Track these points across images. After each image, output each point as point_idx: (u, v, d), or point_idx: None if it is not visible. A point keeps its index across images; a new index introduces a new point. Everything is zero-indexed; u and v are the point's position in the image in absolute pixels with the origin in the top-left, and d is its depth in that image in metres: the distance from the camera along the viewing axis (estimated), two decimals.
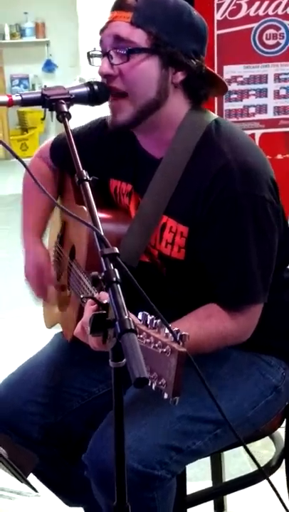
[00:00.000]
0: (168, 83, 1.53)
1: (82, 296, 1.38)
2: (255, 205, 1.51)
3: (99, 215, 1.24)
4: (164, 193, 1.58)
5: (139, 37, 1.50)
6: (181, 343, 1.09)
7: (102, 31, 1.55)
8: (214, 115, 1.63)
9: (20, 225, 1.93)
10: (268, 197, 1.52)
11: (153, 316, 1.13)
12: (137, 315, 1.16)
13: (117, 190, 1.74)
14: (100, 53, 1.56)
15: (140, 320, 1.15)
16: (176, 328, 1.11)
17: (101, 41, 1.55)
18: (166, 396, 1.09)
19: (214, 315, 1.53)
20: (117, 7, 1.53)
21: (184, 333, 1.10)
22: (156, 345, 1.10)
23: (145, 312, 1.15)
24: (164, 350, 1.09)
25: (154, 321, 1.13)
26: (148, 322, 1.14)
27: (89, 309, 1.37)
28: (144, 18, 1.50)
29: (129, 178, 1.70)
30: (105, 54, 1.53)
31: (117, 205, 1.75)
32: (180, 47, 1.51)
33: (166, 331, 1.11)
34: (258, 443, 2.02)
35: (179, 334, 1.09)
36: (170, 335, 1.10)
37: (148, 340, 1.11)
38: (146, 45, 1.50)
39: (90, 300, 1.38)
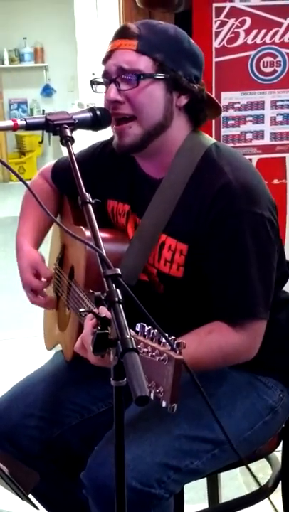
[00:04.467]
0: (173, 107, 1.58)
1: (81, 310, 1.39)
2: (255, 222, 1.54)
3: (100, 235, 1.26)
4: (164, 212, 1.61)
5: (144, 63, 1.54)
6: (178, 351, 1.10)
7: (105, 60, 1.58)
8: (213, 139, 1.67)
9: (16, 231, 1.91)
10: (267, 215, 1.55)
11: (150, 327, 1.15)
12: (134, 328, 1.18)
13: (114, 211, 1.77)
14: (103, 80, 1.59)
15: (138, 331, 1.16)
16: (173, 337, 1.12)
17: (106, 70, 1.58)
18: (164, 404, 1.11)
19: (216, 330, 1.53)
20: (121, 35, 1.57)
21: (180, 341, 1.11)
22: (154, 354, 1.12)
23: (143, 323, 1.17)
24: (162, 358, 1.10)
25: (152, 332, 1.15)
26: (145, 333, 1.15)
27: (88, 324, 1.39)
28: (149, 45, 1.54)
29: (126, 198, 1.73)
30: (112, 81, 1.57)
31: (114, 225, 1.77)
32: (183, 72, 1.56)
33: (163, 340, 1.12)
34: (254, 467, 2.02)
35: (175, 342, 1.11)
36: (167, 344, 1.11)
37: (146, 350, 1.13)
38: (152, 70, 1.54)
39: (89, 315, 1.39)
